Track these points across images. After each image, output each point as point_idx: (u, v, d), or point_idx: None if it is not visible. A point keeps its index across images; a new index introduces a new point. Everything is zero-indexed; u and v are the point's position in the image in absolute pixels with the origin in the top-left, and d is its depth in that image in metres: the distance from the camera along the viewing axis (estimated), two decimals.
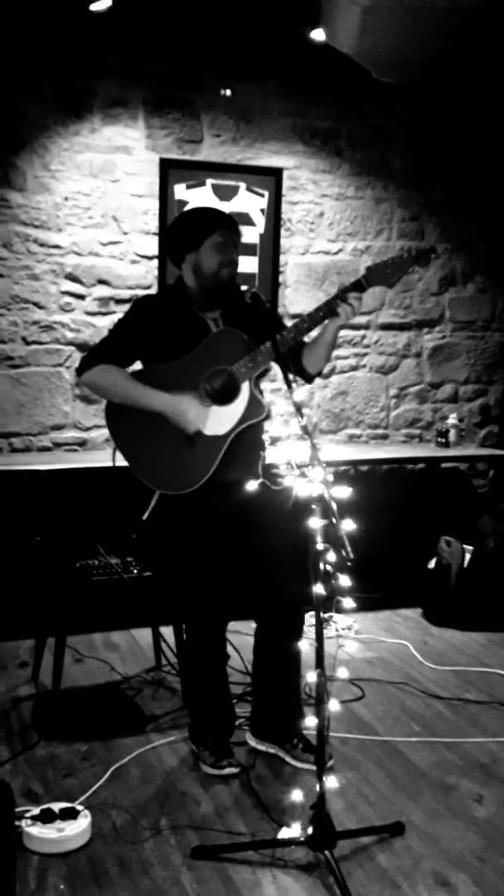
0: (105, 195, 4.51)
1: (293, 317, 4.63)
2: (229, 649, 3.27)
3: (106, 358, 3.02)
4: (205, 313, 3.08)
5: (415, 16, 3.69)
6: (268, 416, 3.05)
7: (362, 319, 5.04)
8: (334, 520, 2.36)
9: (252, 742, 3.16)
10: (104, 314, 4.57)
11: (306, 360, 3.08)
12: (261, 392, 3.08)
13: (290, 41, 4.48)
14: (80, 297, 4.53)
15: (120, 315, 4.45)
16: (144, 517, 3.09)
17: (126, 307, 4.51)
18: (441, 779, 2.99)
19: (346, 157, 4.91)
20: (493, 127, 5.12)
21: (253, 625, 3.16)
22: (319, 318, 2.95)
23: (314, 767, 2.94)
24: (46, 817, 2.58)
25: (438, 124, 5.03)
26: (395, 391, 5.18)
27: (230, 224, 3.08)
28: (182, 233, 3.08)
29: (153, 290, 4.59)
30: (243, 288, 3.01)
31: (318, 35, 4.29)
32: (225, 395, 2.99)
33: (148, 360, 3.10)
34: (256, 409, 3.00)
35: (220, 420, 2.99)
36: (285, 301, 4.87)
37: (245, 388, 2.99)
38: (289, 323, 3.10)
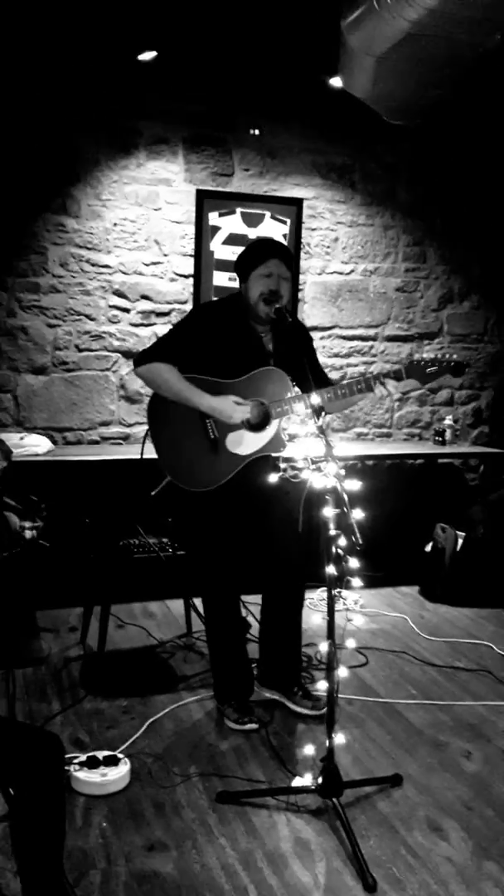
0: (148, 221, 4.50)
1: (310, 329, 4.61)
2: (250, 619, 3.28)
3: (163, 356, 2.97)
4: (258, 326, 3.06)
5: (420, 66, 3.65)
6: (283, 450, 3.05)
7: (370, 332, 5.01)
8: (346, 509, 2.35)
9: (259, 690, 3.17)
10: (146, 325, 4.56)
11: (328, 404, 2.95)
12: (285, 430, 3.07)
13: (311, 87, 4.46)
14: (126, 310, 4.53)
15: (163, 325, 4.51)
16: (154, 493, 3.10)
17: (165, 320, 4.56)
18: (434, 737, 2.98)
19: (358, 189, 4.87)
20: (487, 164, 5.07)
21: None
22: (356, 390, 2.90)
23: (311, 712, 2.98)
24: (91, 763, 2.60)
25: (440, 161, 4.99)
26: (398, 395, 5.15)
27: (278, 255, 2.99)
28: (238, 262, 3.07)
29: (189, 305, 4.58)
30: (276, 305, 2.97)
31: (336, 82, 4.26)
32: (258, 425, 2.99)
33: (200, 362, 3.03)
34: (277, 444, 3.01)
35: (246, 442, 2.99)
36: (303, 315, 4.84)
37: (274, 424, 2.99)
38: (312, 333, 3.09)
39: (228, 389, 2.98)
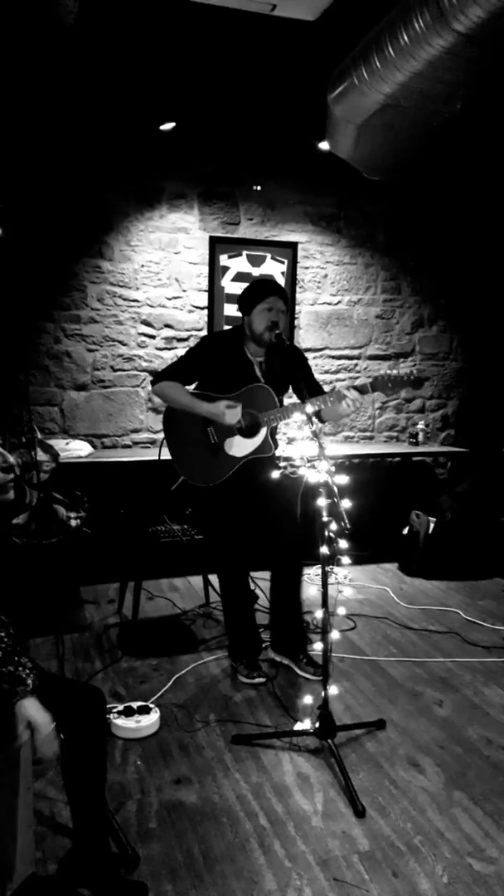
0: (170, 263, 4.50)
1: (305, 349, 4.61)
2: (258, 592, 3.27)
3: (173, 377, 3.05)
4: (254, 355, 3.08)
5: (394, 131, 3.65)
6: (272, 454, 3.04)
7: (355, 352, 5.00)
8: (336, 499, 2.35)
9: (272, 654, 3.16)
10: (169, 349, 4.57)
11: (324, 413, 2.97)
12: (274, 436, 3.07)
13: (303, 150, 4.46)
14: (152, 336, 4.54)
15: (183, 348, 4.51)
16: (173, 488, 3.13)
17: (184, 344, 4.57)
18: (412, 688, 2.97)
19: (344, 234, 4.87)
20: (451, 212, 5.06)
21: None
22: (330, 402, 2.87)
23: (312, 677, 2.98)
24: (128, 712, 2.61)
25: (412, 210, 4.98)
26: (378, 404, 5.14)
27: (276, 293, 3.02)
28: (242, 299, 3.08)
29: (204, 332, 4.58)
30: (277, 331, 2.99)
31: (323, 145, 4.27)
32: (249, 431, 3.00)
33: (203, 382, 3.11)
34: (266, 447, 3.02)
35: (240, 446, 3.02)
36: (299, 338, 4.84)
37: (263, 431, 3.00)
38: (307, 353, 3.12)
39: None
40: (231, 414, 2.93)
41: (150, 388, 4.49)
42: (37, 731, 1.60)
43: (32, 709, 1.61)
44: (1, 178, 3.85)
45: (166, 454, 3.18)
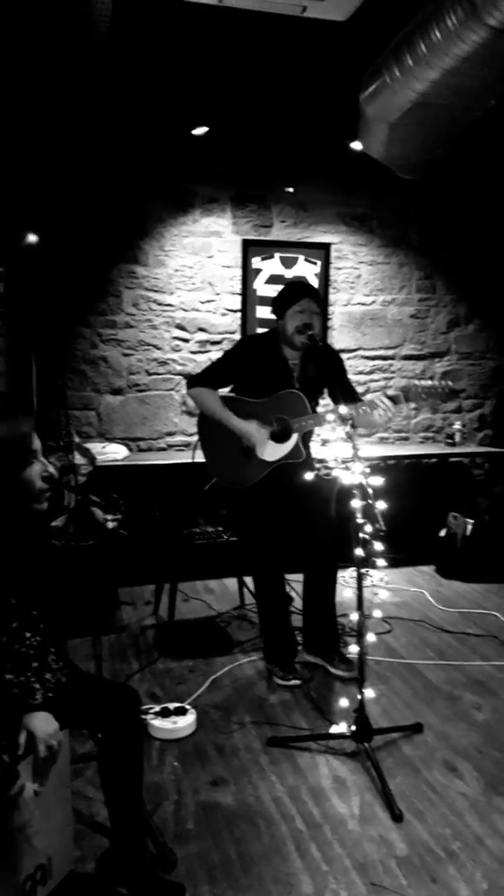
0: (203, 267, 4.53)
1: (339, 350, 4.58)
2: (292, 594, 3.26)
3: (209, 382, 3.07)
4: (290, 359, 3.08)
5: (426, 129, 3.61)
6: (303, 459, 3.03)
7: (389, 352, 4.96)
8: (371, 501, 2.34)
9: (305, 656, 3.15)
10: (202, 352, 4.59)
11: (357, 421, 2.87)
12: (305, 442, 3.05)
13: (335, 151, 4.43)
14: (186, 340, 4.56)
15: (217, 351, 4.53)
16: (206, 489, 3.15)
17: (217, 347, 4.58)
18: (450, 692, 2.93)
19: (377, 234, 4.83)
20: (485, 208, 4.98)
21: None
22: (363, 410, 2.85)
23: (346, 675, 2.96)
24: (164, 713, 2.62)
25: (445, 208, 4.91)
26: (413, 404, 5.09)
27: (309, 295, 3.01)
28: (275, 302, 3.09)
29: (237, 336, 4.59)
30: (309, 333, 2.99)
31: (356, 145, 4.23)
32: (280, 437, 3.01)
33: (239, 386, 3.11)
34: (297, 453, 3.02)
35: (271, 451, 3.02)
36: (332, 339, 4.81)
37: (294, 437, 3.00)
38: (341, 354, 3.12)
39: (256, 408, 3.01)
40: (259, 438, 2.95)
41: (184, 391, 4.54)
42: (38, 744, 1.60)
43: (36, 721, 1.61)
44: (38, 185, 3.92)
45: (200, 457, 3.20)
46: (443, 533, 4.44)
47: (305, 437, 3.07)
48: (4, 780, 1.46)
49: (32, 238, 3.74)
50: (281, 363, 3.07)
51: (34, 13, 2.96)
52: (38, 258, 3.89)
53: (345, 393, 3.04)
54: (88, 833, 2.09)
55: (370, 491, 2.35)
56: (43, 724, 1.61)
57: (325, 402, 3.40)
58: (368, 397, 2.94)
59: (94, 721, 1.80)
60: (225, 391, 3.17)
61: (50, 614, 1.74)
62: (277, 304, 3.07)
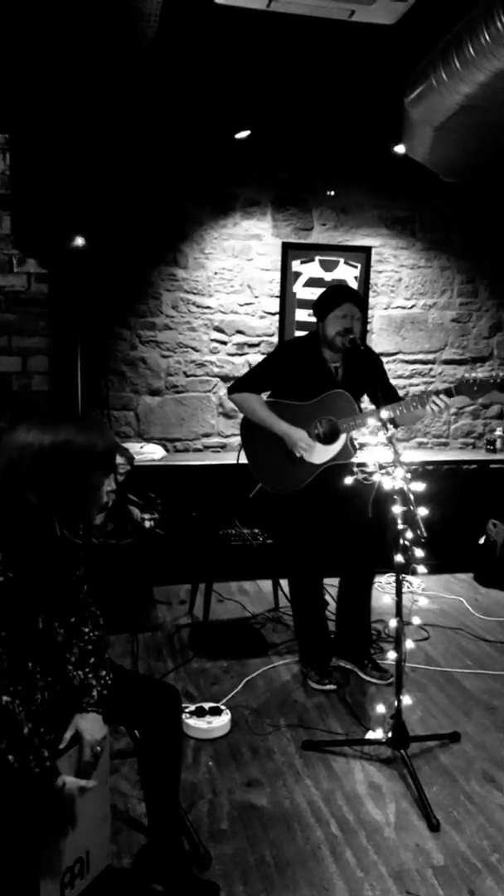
0: (243, 270, 4.55)
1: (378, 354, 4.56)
2: (328, 598, 3.25)
3: (251, 387, 3.08)
4: (331, 361, 3.08)
5: (473, 133, 3.58)
6: (351, 459, 3.02)
7: (429, 356, 4.92)
8: (412, 507, 2.32)
9: (336, 660, 3.13)
10: (240, 355, 4.61)
11: (398, 418, 2.92)
12: (353, 442, 3.04)
13: (377, 154, 4.41)
14: (224, 342, 4.59)
15: (254, 354, 4.55)
16: (251, 496, 3.14)
17: (255, 350, 4.60)
18: (488, 701, 2.89)
19: (418, 237, 4.80)
20: None
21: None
22: (413, 407, 2.86)
23: (378, 682, 2.94)
24: (199, 713, 2.64)
25: (488, 212, 4.86)
26: (454, 410, 5.03)
27: (351, 300, 3.01)
28: (317, 305, 3.09)
29: (275, 339, 4.61)
30: (351, 336, 2.98)
31: (399, 149, 4.21)
32: (329, 439, 3.00)
33: (280, 390, 3.11)
34: (346, 454, 3.00)
35: (319, 454, 3.01)
36: (371, 343, 4.79)
37: (343, 437, 2.99)
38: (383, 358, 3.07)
39: (302, 410, 3.01)
40: (302, 447, 2.94)
41: (221, 392, 4.57)
42: (84, 745, 1.63)
43: (86, 723, 1.64)
44: (86, 189, 3.99)
45: (243, 458, 3.20)
46: (482, 541, 4.38)
47: (352, 438, 3.06)
48: (47, 774, 1.49)
49: (80, 241, 3.81)
50: (322, 366, 3.07)
51: (84, 19, 3.02)
52: (83, 261, 3.95)
53: (386, 393, 3.03)
54: (124, 829, 2.11)
55: (411, 497, 2.34)
56: (92, 727, 1.64)
57: (364, 405, 3.39)
58: (414, 395, 2.93)
59: (136, 718, 1.82)
60: (264, 396, 3.18)
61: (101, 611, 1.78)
62: (319, 306, 3.07)
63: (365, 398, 3.24)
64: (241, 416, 3.20)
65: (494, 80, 3.02)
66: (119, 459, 3.68)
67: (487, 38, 2.83)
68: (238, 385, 3.10)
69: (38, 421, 1.59)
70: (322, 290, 3.16)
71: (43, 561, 1.60)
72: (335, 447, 3.00)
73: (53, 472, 1.54)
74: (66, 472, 1.54)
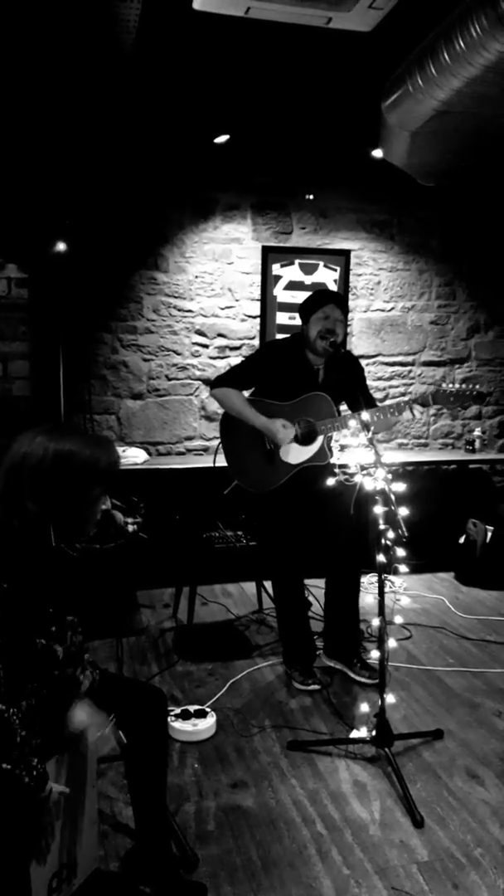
0: (223, 273, 4.57)
1: (358, 356, 4.60)
2: (311, 599, 3.28)
3: (233, 383, 3.10)
4: (314, 363, 3.11)
5: (449, 138, 3.62)
6: (328, 462, 3.05)
7: (409, 358, 4.97)
8: (393, 507, 2.35)
9: (325, 660, 3.16)
10: (222, 358, 4.63)
11: (375, 424, 2.89)
12: (329, 444, 3.07)
13: (356, 158, 4.45)
14: (205, 346, 4.60)
15: (235, 357, 4.57)
16: (225, 492, 3.15)
17: (237, 353, 4.62)
18: (470, 699, 2.93)
19: (397, 240, 4.85)
20: None
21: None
22: (389, 413, 2.88)
23: (367, 681, 2.97)
24: (185, 715, 2.64)
25: (466, 215, 4.92)
26: (433, 411, 5.09)
27: (333, 301, 3.05)
28: (301, 307, 3.13)
29: (256, 342, 4.63)
30: (332, 339, 3.01)
31: (377, 153, 4.25)
32: (306, 440, 3.02)
33: (261, 389, 3.14)
34: (322, 456, 3.04)
35: (295, 454, 3.04)
36: (351, 345, 4.83)
37: (320, 439, 3.02)
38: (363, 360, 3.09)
39: (281, 410, 3.03)
40: (284, 434, 2.96)
41: (203, 395, 4.58)
42: (89, 733, 1.64)
43: (83, 712, 1.66)
44: (66, 194, 3.99)
45: (221, 461, 3.22)
46: (462, 540, 4.43)
47: (329, 441, 3.09)
48: (37, 781, 1.50)
49: (61, 246, 3.80)
50: (306, 367, 3.10)
51: (64, 25, 3.02)
52: (64, 265, 3.94)
53: (366, 398, 3.07)
54: (111, 832, 2.11)
55: (392, 497, 2.37)
56: (87, 712, 1.65)
57: (343, 409, 3.43)
58: (391, 402, 2.96)
59: (122, 720, 1.82)
60: (246, 394, 3.20)
61: (76, 616, 1.78)
62: (303, 309, 3.11)
63: (343, 404, 3.26)
64: (221, 412, 3.22)
65: (469, 85, 3.06)
66: None
67: (462, 44, 2.88)
68: (220, 380, 3.12)
69: (45, 430, 1.59)
70: (303, 293, 3.19)
71: (37, 571, 1.60)
72: (311, 448, 3.03)
73: (55, 482, 1.53)
74: (67, 483, 1.54)
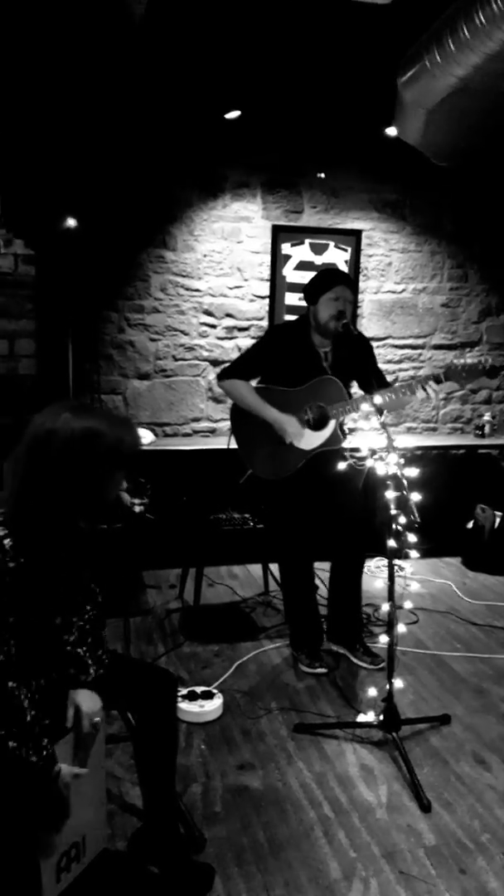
0: (232, 252, 4.51)
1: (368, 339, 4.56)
2: (318, 582, 3.27)
3: (240, 374, 3.06)
4: (320, 346, 3.07)
5: (466, 116, 3.56)
6: (340, 445, 3.02)
7: (419, 341, 4.92)
8: (405, 492, 2.33)
9: (327, 644, 3.15)
10: (230, 338, 4.59)
11: (387, 404, 2.89)
12: (342, 428, 3.04)
13: (369, 136, 4.38)
14: (213, 326, 4.56)
15: (244, 337, 4.53)
16: (241, 481, 3.13)
17: (245, 333, 4.58)
18: (477, 684, 2.93)
19: (409, 221, 4.78)
20: None
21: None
22: (402, 393, 2.85)
23: (369, 666, 2.96)
24: (191, 696, 2.65)
25: (479, 196, 4.85)
26: (443, 395, 5.05)
27: (344, 282, 2.99)
28: (308, 288, 3.06)
29: (265, 322, 4.58)
30: (345, 321, 2.96)
31: (391, 131, 4.19)
32: (318, 425, 2.99)
33: (269, 376, 3.10)
34: (336, 440, 3.00)
35: (308, 440, 3.01)
36: (361, 327, 4.78)
37: (332, 424, 2.98)
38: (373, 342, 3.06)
39: (292, 396, 3.00)
40: (291, 433, 2.93)
41: (210, 376, 4.54)
42: (81, 721, 1.64)
43: (82, 697, 1.65)
44: (74, 170, 3.93)
45: (232, 443, 3.20)
46: (470, 525, 4.41)
47: (341, 425, 3.06)
48: (45, 761, 1.49)
49: (69, 222, 3.75)
50: (311, 352, 3.06)
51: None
52: (71, 242, 3.90)
53: (378, 379, 3.03)
54: (118, 812, 2.12)
55: (405, 482, 2.34)
56: (88, 700, 1.64)
57: (353, 390, 3.39)
58: (402, 383, 2.93)
59: (132, 702, 1.82)
60: (253, 382, 3.17)
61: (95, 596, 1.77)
62: (310, 290, 3.05)
63: (354, 384, 3.23)
64: (230, 401, 3.19)
65: (488, 62, 2.99)
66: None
67: (482, 19, 2.80)
68: (227, 372, 3.08)
69: (70, 406, 1.57)
70: (313, 273, 3.14)
71: (54, 548, 1.59)
72: (324, 433, 3.00)
73: (80, 460, 1.52)
74: (94, 461, 1.53)
